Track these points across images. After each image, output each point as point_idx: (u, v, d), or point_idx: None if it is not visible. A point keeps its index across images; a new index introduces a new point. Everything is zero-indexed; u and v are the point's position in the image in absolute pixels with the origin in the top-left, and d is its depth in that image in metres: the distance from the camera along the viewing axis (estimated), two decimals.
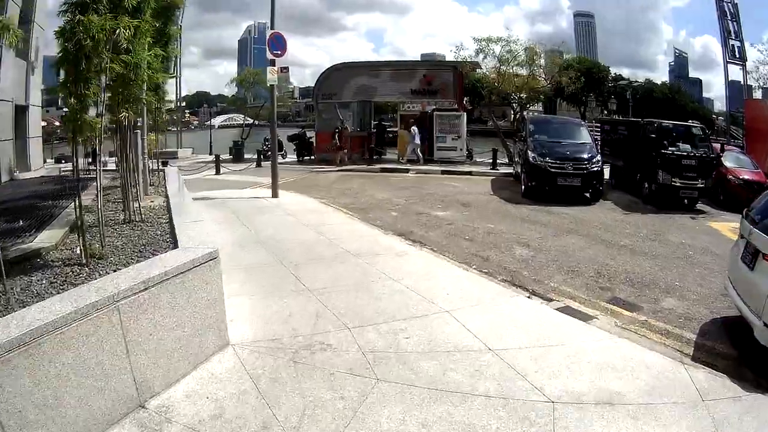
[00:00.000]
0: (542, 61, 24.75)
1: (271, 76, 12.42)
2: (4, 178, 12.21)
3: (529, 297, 6.58)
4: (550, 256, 8.76)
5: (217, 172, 20.60)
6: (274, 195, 13.60)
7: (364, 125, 25.34)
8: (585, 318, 5.85)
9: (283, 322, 5.37)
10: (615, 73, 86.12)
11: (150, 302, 3.96)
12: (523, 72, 24.22)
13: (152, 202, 7.75)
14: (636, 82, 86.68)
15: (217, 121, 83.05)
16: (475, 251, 8.95)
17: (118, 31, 4.59)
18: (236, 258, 7.66)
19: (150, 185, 9.64)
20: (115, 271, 4.53)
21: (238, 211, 11.50)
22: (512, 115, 27.87)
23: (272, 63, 12.46)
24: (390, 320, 5.46)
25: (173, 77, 31.19)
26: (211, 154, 31.40)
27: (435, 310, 5.78)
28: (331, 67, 25.28)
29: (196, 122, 79.40)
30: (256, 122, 35.51)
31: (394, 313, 5.66)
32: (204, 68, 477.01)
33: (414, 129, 23.71)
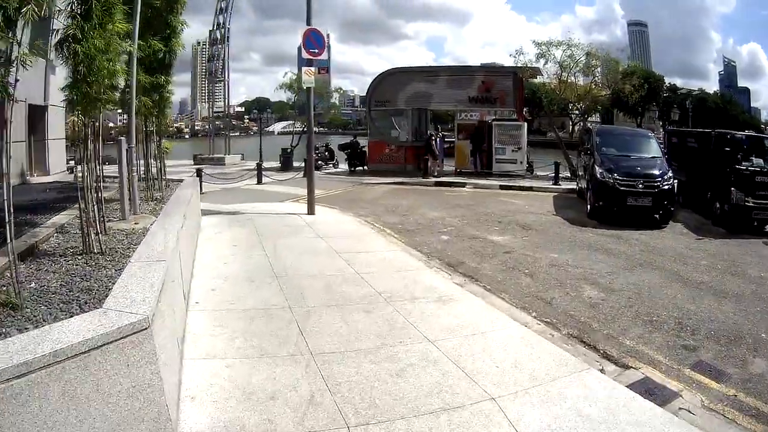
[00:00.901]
0: (598, 70, 23.16)
1: (307, 77, 11.04)
2: (14, 182, 11.41)
3: (600, 370, 4.89)
4: (623, 298, 7.18)
5: (259, 182, 19.54)
6: (310, 211, 12.24)
7: (419, 135, 23.82)
8: (668, 398, 4.53)
9: (261, 406, 3.85)
10: (669, 83, 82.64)
11: (31, 392, 2.61)
12: (583, 80, 23.11)
13: (136, 224, 6.42)
14: (694, 91, 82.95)
15: (278, 127, 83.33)
16: (536, 291, 7.36)
17: (26, 9, 3.26)
18: (239, 297, 6.27)
19: (152, 200, 8.40)
20: (20, 330, 3.17)
21: (263, 230, 10.18)
22: (570, 126, 26.04)
23: (308, 63, 11.10)
24: (411, 414, 3.84)
25: (221, 81, 30.92)
26: (261, 160, 30.65)
27: (476, 396, 4.13)
28: (384, 72, 23.91)
29: (255, 128, 79.97)
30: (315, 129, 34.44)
31: (419, 400, 4.03)
32: (265, 74, 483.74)
33: (436, 140, 22.44)
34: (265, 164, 27.97)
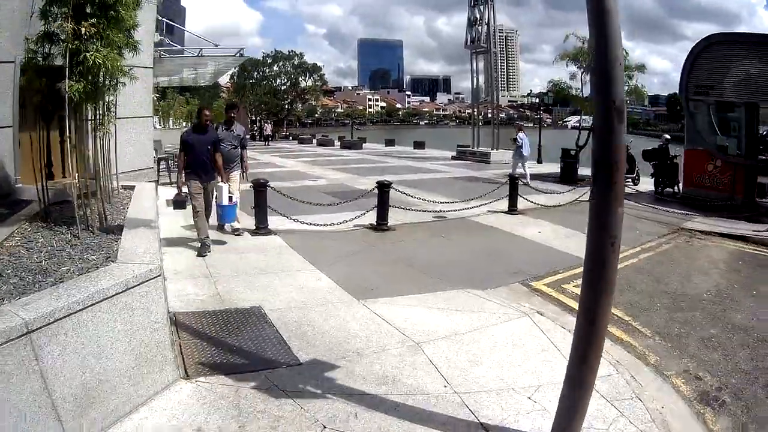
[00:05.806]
0: None
1: None
2: None
3: None
4: None
5: (511, 209, 11.47)
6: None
7: (749, 147, 12.76)
8: None
9: None
10: None
11: None
12: None
13: None
14: None
15: (572, 120, 72.93)
16: None
17: None
18: None
19: None
20: None
21: None
22: None
23: None
24: None
25: (483, 51, 23.58)
26: (540, 161, 22.60)
27: None
28: (707, 39, 13.06)
29: (549, 120, 70.98)
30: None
31: None
32: (560, 66, 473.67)
33: (521, 136, 15.89)
34: (544, 168, 19.96)
